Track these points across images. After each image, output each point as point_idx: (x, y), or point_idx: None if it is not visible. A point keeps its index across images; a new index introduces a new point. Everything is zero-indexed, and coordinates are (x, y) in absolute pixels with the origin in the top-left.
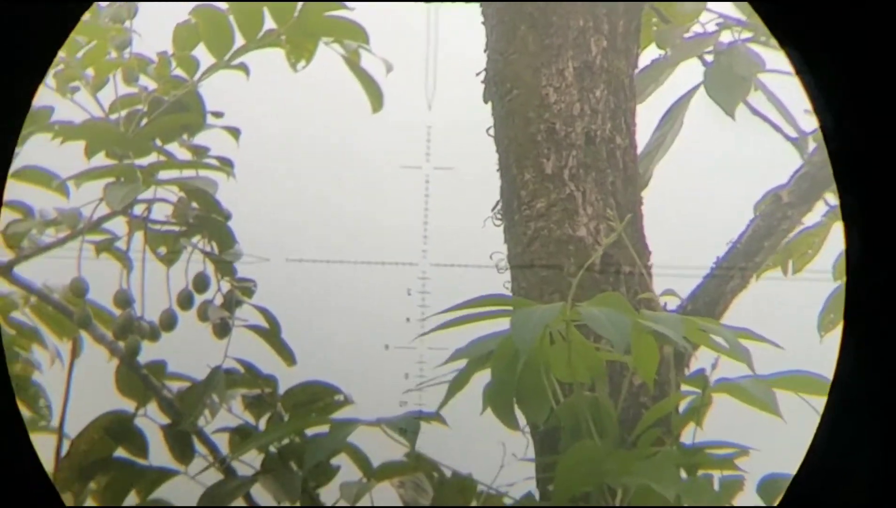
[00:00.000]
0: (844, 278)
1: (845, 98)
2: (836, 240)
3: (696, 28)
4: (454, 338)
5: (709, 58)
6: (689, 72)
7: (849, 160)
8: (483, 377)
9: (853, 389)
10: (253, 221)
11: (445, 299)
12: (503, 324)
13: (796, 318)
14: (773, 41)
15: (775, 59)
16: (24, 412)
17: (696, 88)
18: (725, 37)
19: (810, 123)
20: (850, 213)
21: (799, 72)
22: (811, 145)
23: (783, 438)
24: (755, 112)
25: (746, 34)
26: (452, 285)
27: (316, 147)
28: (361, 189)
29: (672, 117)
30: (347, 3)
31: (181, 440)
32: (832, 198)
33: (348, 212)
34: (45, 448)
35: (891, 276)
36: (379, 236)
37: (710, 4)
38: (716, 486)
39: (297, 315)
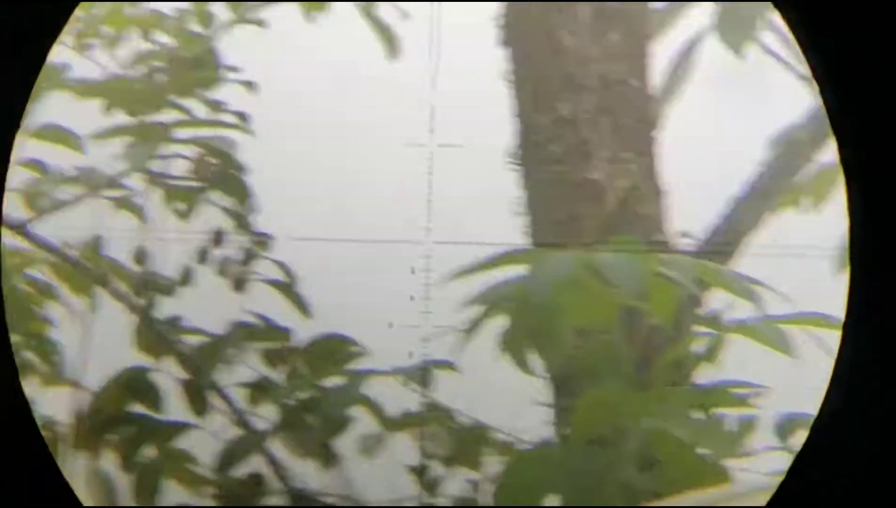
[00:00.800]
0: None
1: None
2: None
3: None
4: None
5: None
6: (701, 13)
7: (847, 115)
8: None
9: (856, 359)
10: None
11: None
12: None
13: (810, 262)
14: None
15: None
16: (41, 366)
17: (706, 28)
18: None
19: None
20: (850, 167)
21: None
22: None
23: (796, 379)
24: (768, 50)
25: None
26: (456, 262)
27: (318, 125)
28: (365, 167)
29: (683, 60)
30: None
31: (198, 394)
32: None
33: (352, 190)
34: (61, 402)
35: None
36: (382, 213)
37: None
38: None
39: (301, 293)
